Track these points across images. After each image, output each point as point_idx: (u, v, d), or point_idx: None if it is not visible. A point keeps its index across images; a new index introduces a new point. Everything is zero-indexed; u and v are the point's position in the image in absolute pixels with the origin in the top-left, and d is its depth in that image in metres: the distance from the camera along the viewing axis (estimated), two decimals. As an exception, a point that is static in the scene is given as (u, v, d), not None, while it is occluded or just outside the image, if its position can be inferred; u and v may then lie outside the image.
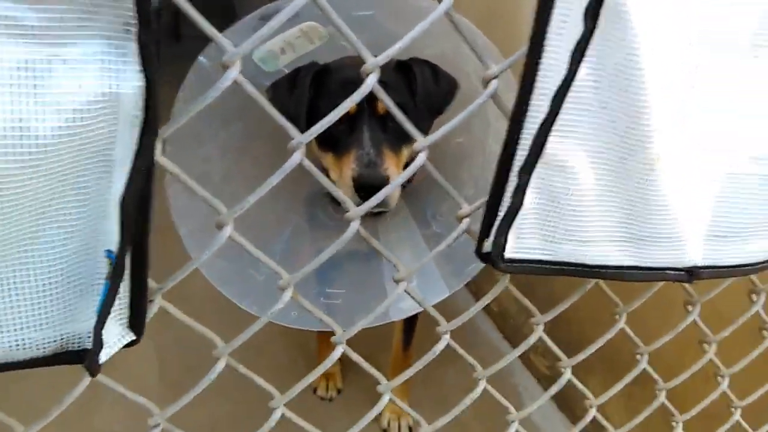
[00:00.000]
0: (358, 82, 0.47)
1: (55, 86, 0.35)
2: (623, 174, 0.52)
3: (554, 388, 0.77)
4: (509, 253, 0.54)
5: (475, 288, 2.02)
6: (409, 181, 1.00)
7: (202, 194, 0.48)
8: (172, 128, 0.42)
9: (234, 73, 0.42)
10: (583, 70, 0.45)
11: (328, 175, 0.99)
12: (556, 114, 0.45)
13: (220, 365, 0.58)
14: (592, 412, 0.83)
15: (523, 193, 0.49)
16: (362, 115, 0.96)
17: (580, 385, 0.80)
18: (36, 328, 0.43)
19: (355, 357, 0.65)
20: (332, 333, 0.60)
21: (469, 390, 0.72)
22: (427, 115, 0.95)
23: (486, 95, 0.51)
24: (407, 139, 0.94)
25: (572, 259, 0.56)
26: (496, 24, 1.27)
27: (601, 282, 0.68)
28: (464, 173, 0.91)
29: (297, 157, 0.46)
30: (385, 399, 0.68)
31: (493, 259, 0.54)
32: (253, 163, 0.95)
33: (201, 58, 0.82)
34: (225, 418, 1.01)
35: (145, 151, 0.38)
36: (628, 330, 0.79)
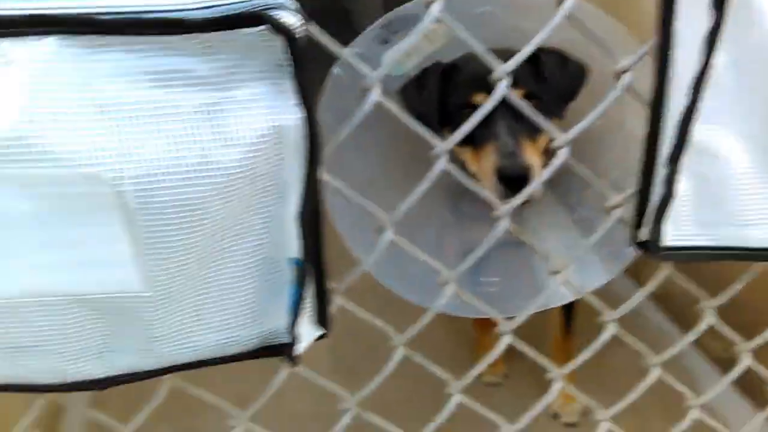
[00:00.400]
0: (486, 76, 0.50)
1: (230, 124, 0.42)
2: None
3: (733, 374, 0.74)
4: (667, 241, 0.53)
5: (634, 269, 1.91)
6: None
7: (363, 203, 0.53)
8: (327, 152, 0.48)
9: (375, 97, 0.47)
10: (719, 58, 0.44)
11: (465, 169, 1.00)
12: (696, 103, 0.45)
13: (399, 354, 0.64)
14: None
15: (673, 183, 0.49)
16: (495, 107, 0.95)
17: (763, 370, 0.75)
18: (242, 327, 0.51)
19: (522, 347, 0.68)
20: (488, 319, 0.63)
21: (638, 373, 0.71)
22: (559, 102, 0.94)
23: (619, 89, 0.52)
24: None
25: (734, 243, 0.55)
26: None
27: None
28: (606, 155, 0.87)
29: (442, 163, 0.50)
30: (557, 386, 0.70)
31: (651, 249, 0.53)
32: (395, 166, 0.98)
33: (335, 70, 0.85)
34: (399, 404, 1.08)
35: (312, 174, 0.44)
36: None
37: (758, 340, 0.72)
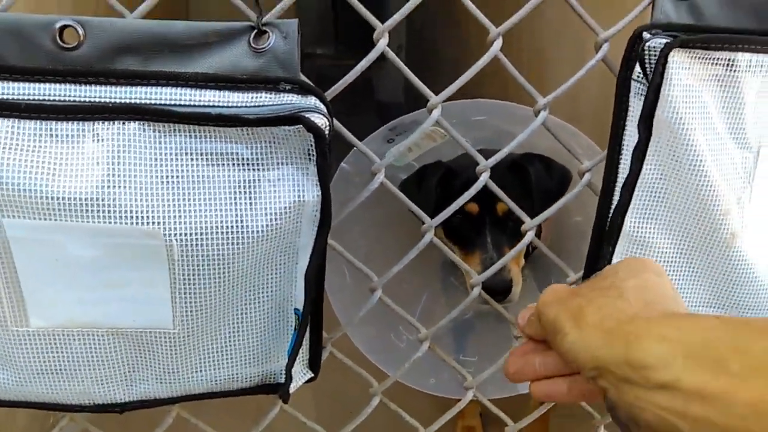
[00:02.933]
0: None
1: (263, 197, 0.52)
2: (705, 250, 0.61)
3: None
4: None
5: None
6: (534, 249, 1.12)
7: (359, 265, 0.63)
8: (336, 221, 0.59)
9: (381, 178, 0.58)
10: (646, 166, 0.56)
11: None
12: (628, 201, 0.57)
13: (375, 401, 0.73)
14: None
15: (610, 261, 0.61)
16: (484, 218, 1.10)
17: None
18: (247, 365, 0.60)
19: (485, 401, 0.77)
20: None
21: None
22: (547, 202, 1.07)
23: (581, 185, 0.64)
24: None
25: None
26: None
27: None
28: (585, 248, 1.01)
29: (428, 237, 0.61)
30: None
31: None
32: (391, 243, 1.10)
33: (343, 164, 0.99)
34: None
35: (321, 239, 0.54)
36: None
37: None
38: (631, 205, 0.57)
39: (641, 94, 0.55)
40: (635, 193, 0.56)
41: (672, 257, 0.62)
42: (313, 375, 0.64)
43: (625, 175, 0.58)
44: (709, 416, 0.35)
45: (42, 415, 1.62)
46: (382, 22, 0.56)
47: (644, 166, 0.55)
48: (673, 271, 0.62)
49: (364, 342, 1.04)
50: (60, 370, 0.56)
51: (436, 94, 0.60)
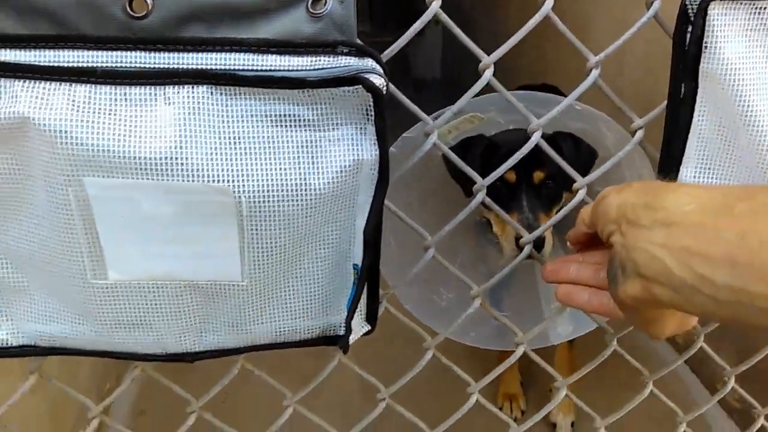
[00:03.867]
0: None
1: (324, 157, 0.55)
2: None
3: (718, 395, 0.85)
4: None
5: None
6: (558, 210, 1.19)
7: (413, 225, 0.66)
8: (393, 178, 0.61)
9: (434, 138, 0.60)
10: (697, 118, 0.57)
11: (491, 227, 1.27)
12: (681, 152, 0.58)
13: (428, 355, 0.76)
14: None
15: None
16: (521, 185, 1.21)
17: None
18: (308, 318, 0.64)
19: (534, 356, 0.79)
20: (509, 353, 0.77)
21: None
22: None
23: (633, 142, 0.64)
24: (557, 202, 1.22)
25: None
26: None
27: None
28: None
29: (480, 196, 0.63)
30: (561, 394, 0.81)
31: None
32: (432, 212, 1.16)
33: (392, 149, 1.04)
34: (426, 396, 1.22)
35: (379, 197, 0.57)
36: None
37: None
38: (686, 156, 0.58)
39: (694, 47, 0.55)
40: (689, 144, 0.57)
41: None
42: (370, 328, 0.67)
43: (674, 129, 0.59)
44: (698, 246, 0.38)
45: (101, 373, 1.71)
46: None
47: (695, 118, 0.56)
48: None
49: (411, 302, 1.10)
50: (136, 321, 0.60)
51: (477, 65, 0.61)
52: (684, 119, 0.56)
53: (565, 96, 0.66)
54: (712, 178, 0.60)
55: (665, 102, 0.60)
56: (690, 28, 0.55)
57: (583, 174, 0.67)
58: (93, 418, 0.71)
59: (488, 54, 0.60)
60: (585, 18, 2.27)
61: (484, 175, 0.66)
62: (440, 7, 0.58)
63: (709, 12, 0.54)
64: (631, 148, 0.66)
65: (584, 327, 1.07)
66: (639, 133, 0.65)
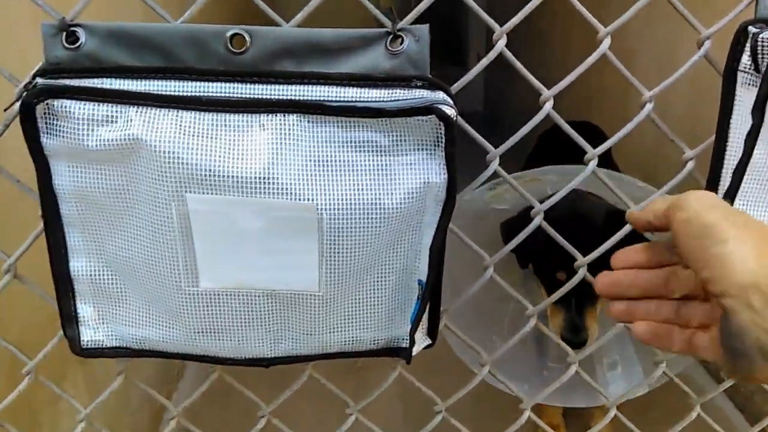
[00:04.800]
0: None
1: (397, 179, 0.60)
2: None
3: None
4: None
5: None
6: None
7: (473, 246, 0.70)
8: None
9: (495, 166, 0.65)
10: (757, 151, 0.61)
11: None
12: (738, 184, 0.62)
13: (485, 371, 0.80)
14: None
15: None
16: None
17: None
18: (375, 329, 0.69)
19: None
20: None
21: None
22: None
23: (684, 173, 0.69)
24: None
25: None
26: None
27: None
28: None
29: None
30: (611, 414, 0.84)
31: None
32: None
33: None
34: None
35: (446, 217, 0.62)
36: None
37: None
38: (740, 190, 0.61)
39: (749, 84, 0.60)
40: (744, 177, 0.61)
41: None
42: (431, 342, 0.71)
43: (731, 162, 0.63)
44: None
45: (164, 369, 1.78)
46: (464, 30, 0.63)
47: (755, 151, 0.60)
48: None
49: (460, 346, 1.18)
50: (220, 327, 0.66)
51: (521, 99, 0.66)
52: (747, 150, 0.60)
53: (607, 137, 0.71)
54: (761, 210, 0.63)
55: (713, 135, 0.64)
56: (743, 66, 0.59)
57: None
58: (171, 419, 0.77)
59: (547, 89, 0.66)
60: (630, 51, 2.31)
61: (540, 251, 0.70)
62: (484, 43, 0.63)
63: None
64: (682, 179, 0.70)
65: (638, 388, 1.11)
66: (690, 164, 0.70)
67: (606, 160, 1.55)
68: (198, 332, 0.67)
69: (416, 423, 0.83)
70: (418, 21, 0.60)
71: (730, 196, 0.63)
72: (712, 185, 0.64)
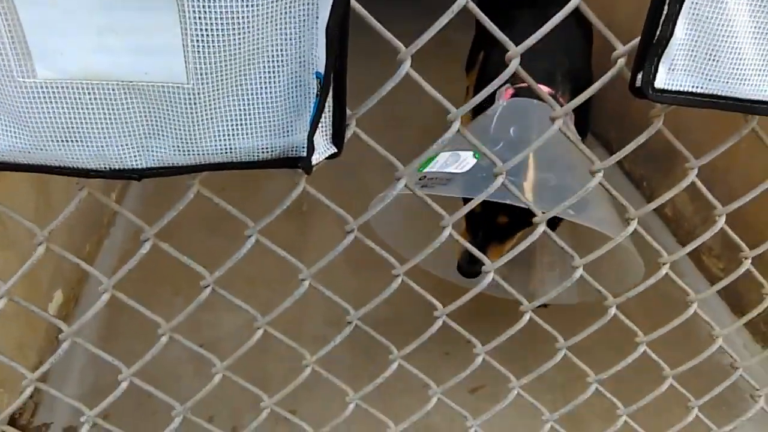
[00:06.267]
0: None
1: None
2: None
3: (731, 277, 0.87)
4: (659, 83, 0.58)
5: (649, 192, 2.01)
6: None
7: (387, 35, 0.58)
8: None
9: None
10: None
11: None
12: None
13: (400, 185, 0.70)
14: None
15: (674, 23, 0.54)
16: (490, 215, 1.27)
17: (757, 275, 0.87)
18: (265, 136, 0.57)
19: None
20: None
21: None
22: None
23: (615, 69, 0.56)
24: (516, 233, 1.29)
25: (725, 93, 0.60)
26: None
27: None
28: None
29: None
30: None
31: (643, 89, 0.58)
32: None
33: None
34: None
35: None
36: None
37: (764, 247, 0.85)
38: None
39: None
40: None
41: (739, 14, 0.56)
42: (336, 150, 0.61)
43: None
44: None
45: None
46: None
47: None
48: (740, 29, 0.56)
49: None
50: (73, 129, 0.54)
51: None
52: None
53: None
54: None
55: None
56: None
57: None
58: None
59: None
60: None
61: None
62: None
63: None
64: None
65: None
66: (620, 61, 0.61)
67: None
68: (49, 139, 0.54)
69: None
70: None
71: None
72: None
